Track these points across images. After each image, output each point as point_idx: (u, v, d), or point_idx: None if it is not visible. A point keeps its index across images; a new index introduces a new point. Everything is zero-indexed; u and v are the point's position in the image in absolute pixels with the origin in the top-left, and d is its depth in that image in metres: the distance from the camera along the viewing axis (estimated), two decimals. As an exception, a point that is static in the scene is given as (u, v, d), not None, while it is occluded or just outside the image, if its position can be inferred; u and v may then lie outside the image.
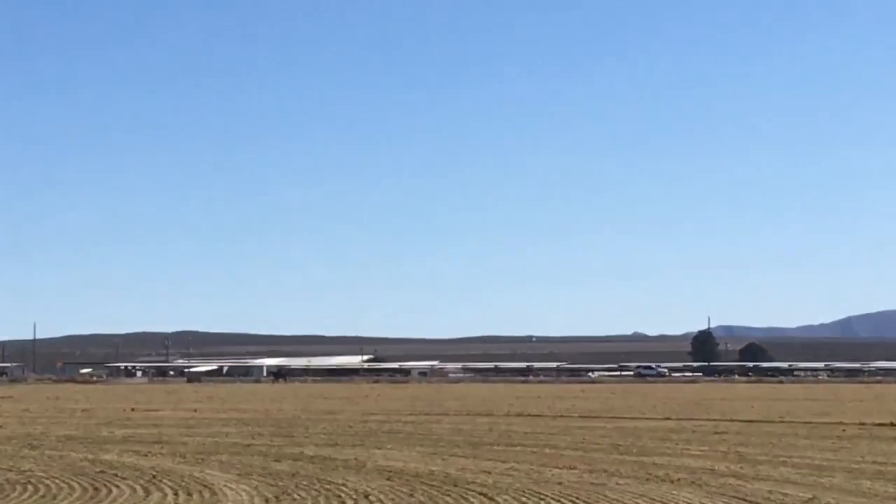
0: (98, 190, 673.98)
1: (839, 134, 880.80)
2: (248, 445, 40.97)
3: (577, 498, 25.20)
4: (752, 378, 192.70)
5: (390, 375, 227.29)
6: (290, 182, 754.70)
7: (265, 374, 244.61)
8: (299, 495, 25.58)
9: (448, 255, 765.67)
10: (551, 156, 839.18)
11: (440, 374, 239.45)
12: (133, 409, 72.02)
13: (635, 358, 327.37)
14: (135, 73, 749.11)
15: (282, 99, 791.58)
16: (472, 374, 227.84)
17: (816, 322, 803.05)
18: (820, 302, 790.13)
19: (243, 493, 25.86)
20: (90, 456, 36.23)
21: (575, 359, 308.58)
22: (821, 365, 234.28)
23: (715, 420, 58.48)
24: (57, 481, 28.34)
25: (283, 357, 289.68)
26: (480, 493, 25.88)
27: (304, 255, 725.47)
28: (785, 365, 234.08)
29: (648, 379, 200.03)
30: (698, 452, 38.07)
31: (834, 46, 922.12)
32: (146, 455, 36.70)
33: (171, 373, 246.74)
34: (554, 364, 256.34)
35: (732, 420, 58.36)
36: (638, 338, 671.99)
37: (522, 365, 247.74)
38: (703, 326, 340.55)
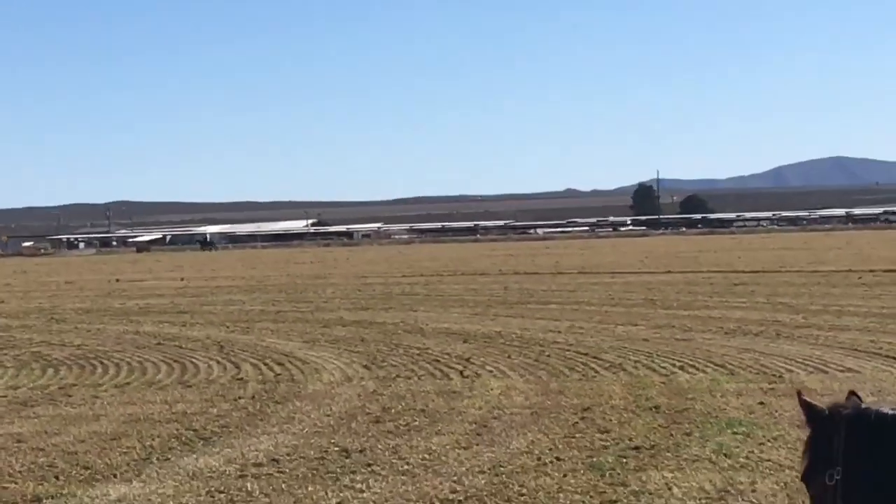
0: (30, 63, 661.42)
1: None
2: (279, 312, 39.85)
3: (688, 354, 24.33)
4: (704, 230, 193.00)
5: (337, 238, 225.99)
6: (222, 45, 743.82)
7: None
8: (393, 361, 24.54)
9: (376, 117, 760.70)
10: (481, 16, 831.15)
11: (384, 237, 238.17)
12: (118, 280, 70.52)
13: (576, 213, 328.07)
14: None
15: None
16: (418, 235, 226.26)
17: (747, 173, 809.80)
18: (750, 153, 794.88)
19: (335, 362, 24.75)
20: (130, 328, 34.99)
21: (512, 216, 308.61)
22: (768, 214, 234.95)
23: (717, 272, 57.98)
24: (130, 356, 27.12)
25: (227, 224, 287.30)
26: (584, 353, 24.94)
27: (233, 123, 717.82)
28: (733, 216, 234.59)
29: (600, 234, 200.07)
30: (740, 304, 37.42)
31: None
32: (185, 325, 35.53)
33: (115, 243, 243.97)
34: (501, 222, 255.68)
35: (736, 271, 57.83)
36: (571, 194, 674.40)
37: (470, 224, 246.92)
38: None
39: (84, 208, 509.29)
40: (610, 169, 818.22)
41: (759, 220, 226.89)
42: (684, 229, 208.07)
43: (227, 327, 34.43)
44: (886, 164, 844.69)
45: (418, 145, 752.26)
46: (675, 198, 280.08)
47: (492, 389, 20.20)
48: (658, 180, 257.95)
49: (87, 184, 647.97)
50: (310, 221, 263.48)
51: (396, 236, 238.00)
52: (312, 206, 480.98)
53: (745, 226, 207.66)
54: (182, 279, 69.37)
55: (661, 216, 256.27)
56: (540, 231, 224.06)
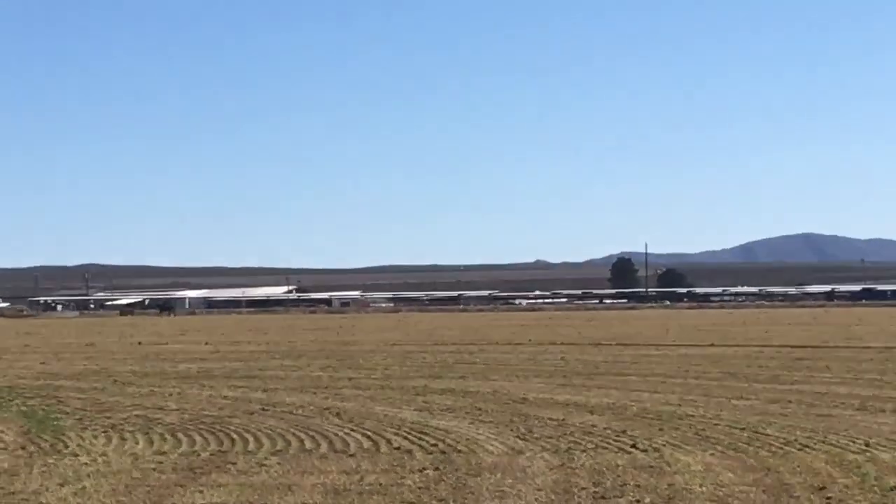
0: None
1: (727, 64, 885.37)
2: (351, 379, 38.49)
3: (839, 431, 23.11)
4: (693, 304, 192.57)
5: (313, 305, 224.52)
6: (193, 110, 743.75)
7: (187, 305, 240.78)
8: (542, 433, 23.21)
9: (343, 187, 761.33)
10: (456, 89, 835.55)
11: (362, 304, 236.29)
12: (140, 343, 68.98)
13: (553, 285, 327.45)
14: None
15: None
16: (404, 304, 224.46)
17: (718, 247, 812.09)
18: (720, 228, 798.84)
19: (481, 433, 23.41)
20: (213, 393, 33.56)
21: (489, 286, 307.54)
22: (754, 289, 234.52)
23: (764, 346, 57.07)
24: (251, 423, 25.70)
25: (204, 290, 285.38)
26: (738, 428, 23.66)
27: (197, 191, 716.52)
28: (718, 290, 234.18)
29: (588, 305, 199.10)
30: (825, 378, 36.37)
31: None
32: (267, 391, 34.15)
33: (92, 306, 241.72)
34: (485, 292, 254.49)
35: (783, 346, 56.89)
36: (541, 265, 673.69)
37: (453, 294, 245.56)
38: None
39: (52, 270, 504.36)
40: (580, 241, 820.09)
41: (744, 294, 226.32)
42: (668, 303, 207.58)
43: (315, 393, 33.07)
44: (854, 241, 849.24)
45: (387, 214, 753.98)
46: (659, 271, 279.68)
47: (690, 465, 18.96)
48: (646, 254, 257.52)
49: (53, 246, 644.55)
50: (290, 288, 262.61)
51: (376, 304, 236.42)
52: (280, 272, 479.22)
53: (733, 300, 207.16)
54: (207, 343, 67.93)
55: (641, 289, 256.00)
56: (523, 302, 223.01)
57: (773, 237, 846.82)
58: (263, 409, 28.47)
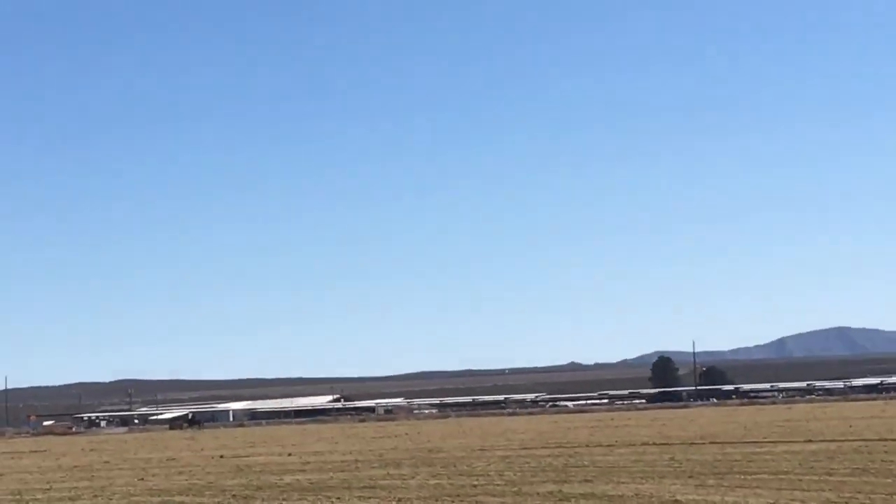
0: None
1: (758, 160, 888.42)
2: (476, 486, 37.90)
3: None
4: (745, 401, 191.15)
5: (357, 413, 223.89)
6: (225, 224, 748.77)
7: (231, 418, 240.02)
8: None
9: (366, 291, 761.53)
10: (479, 187, 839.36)
11: (407, 411, 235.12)
12: (223, 457, 68.37)
13: (591, 386, 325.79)
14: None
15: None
16: (452, 410, 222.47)
17: (751, 344, 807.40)
18: (753, 324, 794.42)
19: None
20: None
21: (524, 390, 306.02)
22: (802, 384, 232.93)
23: (863, 440, 56.26)
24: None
25: (250, 401, 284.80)
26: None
27: (227, 305, 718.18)
28: (766, 386, 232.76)
29: (638, 406, 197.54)
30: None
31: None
32: (402, 500, 33.50)
33: (136, 421, 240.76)
34: (531, 396, 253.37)
35: (883, 439, 56.14)
36: (574, 367, 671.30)
37: (500, 398, 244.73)
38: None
39: (88, 387, 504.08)
40: (611, 342, 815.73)
41: (793, 390, 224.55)
42: (714, 400, 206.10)
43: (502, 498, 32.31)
44: (886, 332, 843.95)
45: (418, 322, 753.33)
46: (702, 368, 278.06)
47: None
48: (693, 352, 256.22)
49: (87, 362, 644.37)
50: (335, 396, 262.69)
51: (419, 411, 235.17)
52: (309, 382, 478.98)
53: (783, 396, 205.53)
54: (290, 454, 67.29)
55: (685, 388, 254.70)
56: (570, 404, 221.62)
57: (805, 332, 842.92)
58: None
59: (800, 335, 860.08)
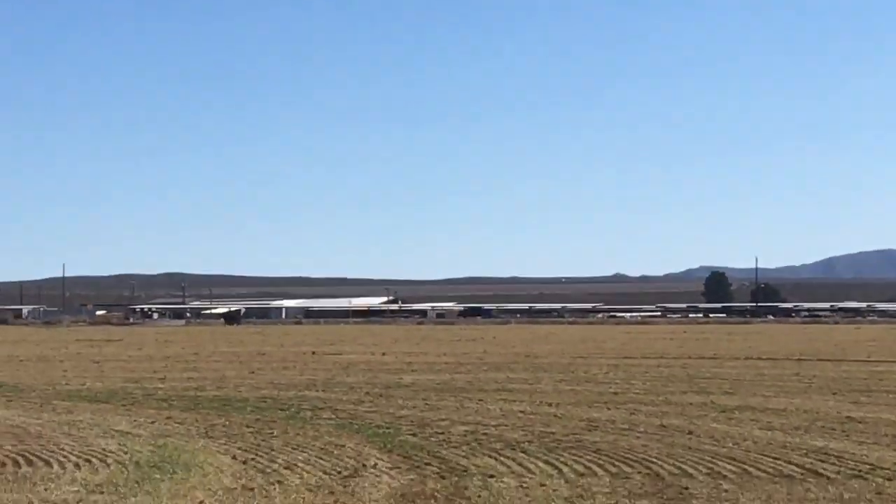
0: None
1: (824, 72, 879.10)
2: (617, 394, 36.36)
3: None
4: (807, 318, 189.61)
5: (411, 316, 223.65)
6: (290, 128, 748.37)
7: (284, 315, 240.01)
8: None
9: (430, 199, 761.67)
10: (531, 100, 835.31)
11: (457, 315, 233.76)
12: (314, 353, 67.36)
13: (636, 299, 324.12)
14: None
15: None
16: (512, 316, 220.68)
17: (798, 263, 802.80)
18: (801, 243, 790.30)
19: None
20: (509, 408, 31.10)
21: (573, 299, 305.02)
22: (862, 305, 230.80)
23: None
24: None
25: (306, 298, 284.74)
26: None
27: (279, 201, 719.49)
28: (825, 305, 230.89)
29: (689, 318, 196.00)
30: None
31: None
32: (558, 405, 31.84)
33: (189, 314, 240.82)
34: (588, 305, 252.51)
35: None
36: (620, 278, 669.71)
37: (556, 306, 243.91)
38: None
39: (135, 278, 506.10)
40: (656, 255, 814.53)
41: (853, 310, 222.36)
42: (771, 317, 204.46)
43: (616, 409, 30.57)
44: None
45: (469, 227, 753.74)
46: (763, 284, 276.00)
47: None
48: (756, 269, 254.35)
49: (133, 254, 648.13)
50: (389, 298, 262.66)
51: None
52: (354, 283, 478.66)
53: (844, 315, 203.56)
54: (384, 354, 66.23)
55: (743, 304, 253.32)
56: (627, 315, 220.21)
57: (854, 252, 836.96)
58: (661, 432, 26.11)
59: (849, 255, 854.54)
